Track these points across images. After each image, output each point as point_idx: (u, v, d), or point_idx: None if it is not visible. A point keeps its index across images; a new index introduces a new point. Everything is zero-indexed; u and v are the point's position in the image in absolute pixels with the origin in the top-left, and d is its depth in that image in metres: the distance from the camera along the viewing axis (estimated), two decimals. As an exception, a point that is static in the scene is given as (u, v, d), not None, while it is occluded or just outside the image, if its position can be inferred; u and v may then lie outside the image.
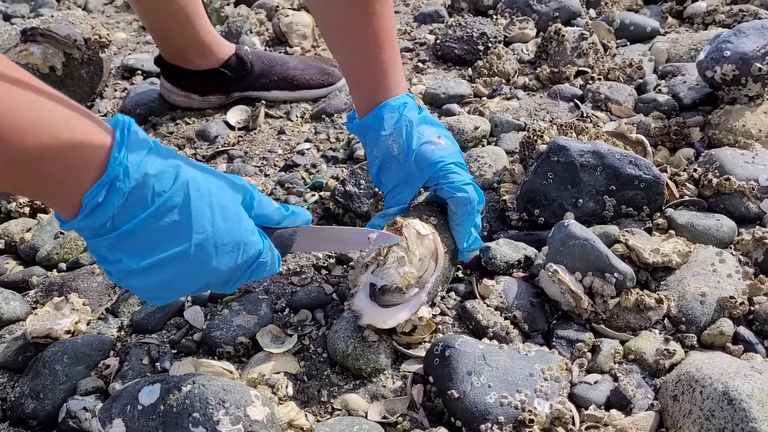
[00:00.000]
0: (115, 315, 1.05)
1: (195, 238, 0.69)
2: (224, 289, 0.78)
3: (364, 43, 0.96)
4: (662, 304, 0.91)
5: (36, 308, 1.05)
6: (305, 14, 1.86)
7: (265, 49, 1.79)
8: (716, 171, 1.09)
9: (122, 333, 1.01)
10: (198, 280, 0.73)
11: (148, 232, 0.67)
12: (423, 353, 0.90)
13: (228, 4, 1.97)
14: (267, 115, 1.52)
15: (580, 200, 1.06)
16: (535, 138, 1.14)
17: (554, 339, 0.91)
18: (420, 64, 1.67)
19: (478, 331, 0.93)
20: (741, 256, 0.99)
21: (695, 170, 1.12)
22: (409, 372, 0.89)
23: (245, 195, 0.77)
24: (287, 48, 1.79)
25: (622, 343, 0.90)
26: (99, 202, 0.63)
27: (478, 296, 0.97)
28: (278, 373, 0.90)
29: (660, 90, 1.40)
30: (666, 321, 0.92)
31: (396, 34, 1.01)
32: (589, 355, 0.89)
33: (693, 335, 0.89)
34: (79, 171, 0.63)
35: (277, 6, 1.96)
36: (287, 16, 1.82)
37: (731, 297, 0.89)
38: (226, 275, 0.74)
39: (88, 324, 1.02)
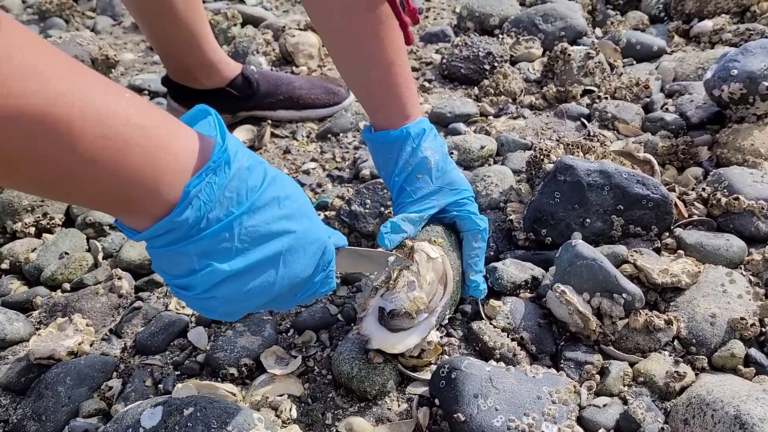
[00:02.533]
0: (118, 336, 1.04)
1: (287, 237, 0.65)
2: (289, 303, 0.72)
3: (388, 63, 0.97)
4: (672, 325, 0.89)
5: (39, 329, 1.05)
6: (311, 34, 1.87)
7: (272, 69, 1.80)
8: (725, 190, 1.08)
9: (125, 354, 1.00)
10: (280, 286, 0.67)
11: (242, 231, 0.62)
12: (429, 376, 0.89)
13: (235, 25, 1.98)
14: (273, 135, 1.52)
15: (588, 220, 1.05)
16: (542, 157, 1.14)
17: (562, 361, 0.90)
18: (426, 84, 1.67)
19: (485, 353, 0.92)
20: (751, 277, 0.98)
21: (704, 189, 1.10)
22: (415, 394, 0.88)
23: None
24: (293, 68, 1.80)
25: (632, 365, 0.88)
26: (197, 194, 0.58)
27: (484, 317, 0.96)
28: (282, 395, 0.89)
29: (667, 109, 1.39)
30: (676, 343, 0.90)
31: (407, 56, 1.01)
32: (597, 377, 0.87)
33: (703, 357, 0.88)
34: (179, 160, 0.58)
35: (284, 26, 1.97)
36: (294, 36, 1.83)
37: (742, 318, 0.88)
38: (304, 281, 0.70)
39: (91, 345, 1.01)
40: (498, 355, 0.90)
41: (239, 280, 0.63)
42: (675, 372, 0.84)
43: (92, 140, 0.52)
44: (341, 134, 1.50)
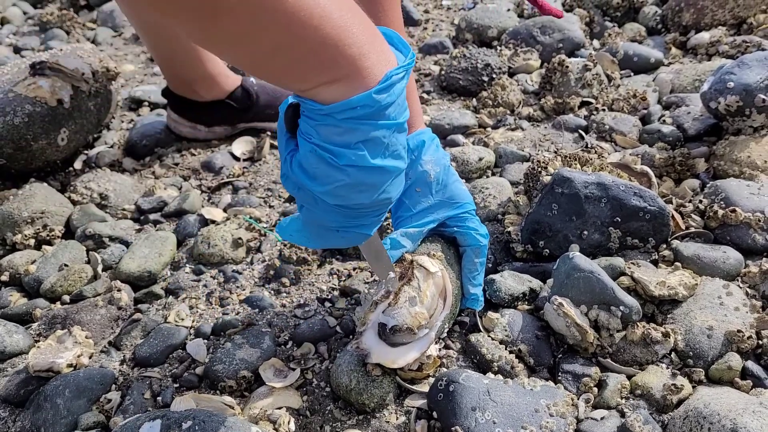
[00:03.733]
0: (117, 348, 1.04)
1: (402, 164, 0.72)
2: (358, 222, 0.77)
3: None
4: (669, 337, 0.90)
5: (39, 341, 1.05)
6: (311, 46, 1.87)
7: (271, 81, 1.80)
8: (722, 202, 1.08)
9: (124, 366, 1.00)
10: (378, 199, 0.73)
11: (393, 140, 0.70)
12: (427, 388, 0.89)
13: (235, 36, 1.99)
14: (272, 146, 1.53)
15: (585, 232, 1.05)
16: (540, 169, 1.14)
17: (560, 373, 0.90)
18: (424, 95, 1.68)
19: (483, 365, 0.92)
20: (748, 289, 0.98)
21: (701, 201, 1.11)
22: (413, 407, 0.88)
23: None
24: (293, 79, 1.81)
25: (629, 377, 0.89)
26: (394, 84, 0.67)
27: (482, 329, 0.97)
28: (280, 408, 0.89)
29: (664, 121, 1.40)
30: (673, 355, 0.91)
31: None
32: (595, 390, 0.87)
33: (701, 370, 0.88)
34: (385, 48, 0.68)
35: (284, 38, 1.98)
36: (293, 47, 1.84)
37: (739, 331, 0.88)
38: (385, 206, 0.76)
39: (90, 357, 1.02)
40: (496, 368, 0.91)
41: (373, 173, 0.70)
42: (672, 385, 0.84)
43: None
44: (340, 146, 1.50)
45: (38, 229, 1.26)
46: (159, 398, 0.93)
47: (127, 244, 1.25)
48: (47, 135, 1.38)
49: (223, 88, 1.50)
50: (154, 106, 1.79)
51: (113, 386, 0.96)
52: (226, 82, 1.50)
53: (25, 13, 2.51)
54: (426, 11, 2.20)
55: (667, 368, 0.89)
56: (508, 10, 1.96)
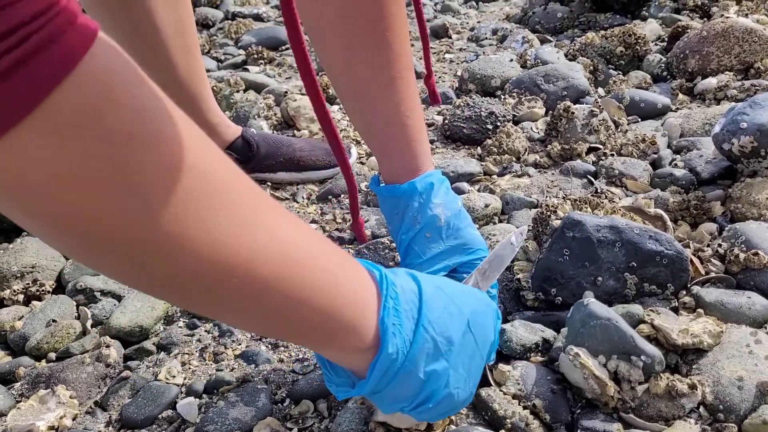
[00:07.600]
0: (103, 408, 0.97)
1: (467, 311, 0.71)
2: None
3: (395, 109, 0.92)
4: (696, 389, 0.83)
5: (20, 402, 0.98)
6: (313, 98, 1.86)
7: (273, 133, 1.78)
8: (743, 246, 1.03)
9: (110, 429, 0.94)
10: (481, 357, 0.75)
11: (432, 326, 0.66)
12: (434, 448, 0.82)
13: (237, 91, 1.98)
14: (273, 197, 1.49)
15: (599, 278, 0.99)
16: (549, 213, 1.09)
17: (579, 430, 0.83)
18: (428, 145, 1.65)
19: (495, 422, 0.85)
20: (778, 336, 0.92)
21: (720, 245, 1.05)
22: (420, 469, 0.81)
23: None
24: (295, 131, 1.78)
25: (655, 434, 0.81)
26: (391, 322, 0.63)
27: (493, 383, 0.90)
28: (276, 472, 0.82)
29: (676, 164, 1.35)
30: (701, 409, 0.84)
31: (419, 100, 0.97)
32: (618, 448, 0.80)
33: (733, 425, 0.81)
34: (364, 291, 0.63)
35: (286, 92, 1.97)
36: (295, 100, 1.83)
37: (772, 381, 0.82)
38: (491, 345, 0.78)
39: (74, 419, 0.95)
40: (509, 425, 0.84)
41: (456, 369, 0.68)
42: (703, 441, 0.77)
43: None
44: (342, 195, 1.46)
45: (28, 283, 1.21)
46: (145, 463, 0.86)
47: (119, 298, 1.19)
48: (41, 188, 1.34)
49: (223, 138, 1.47)
50: (153, 159, 1.76)
51: (97, 450, 0.89)
52: (226, 132, 1.48)
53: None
54: (428, 64, 2.19)
55: (696, 423, 0.82)
56: (511, 60, 1.95)
